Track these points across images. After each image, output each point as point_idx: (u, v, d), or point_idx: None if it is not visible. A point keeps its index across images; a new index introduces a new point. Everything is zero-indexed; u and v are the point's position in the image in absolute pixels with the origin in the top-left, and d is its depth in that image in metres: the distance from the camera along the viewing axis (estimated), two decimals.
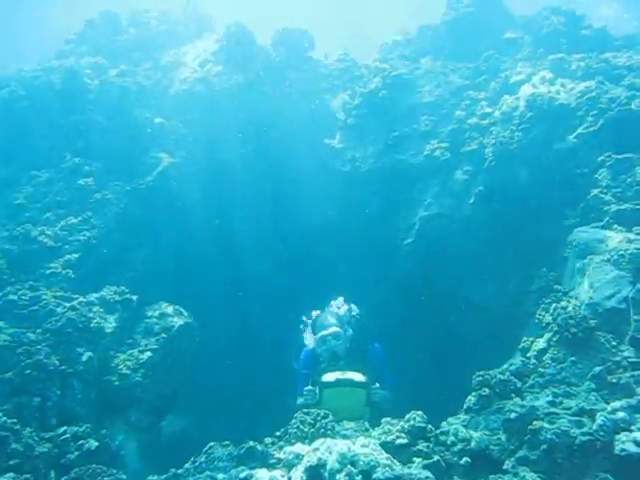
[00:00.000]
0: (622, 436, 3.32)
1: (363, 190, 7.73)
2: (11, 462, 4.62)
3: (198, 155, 8.69)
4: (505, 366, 4.49)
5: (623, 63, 6.63)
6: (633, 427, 3.32)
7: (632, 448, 3.22)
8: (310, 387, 4.83)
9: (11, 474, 4.47)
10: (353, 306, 5.54)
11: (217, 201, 8.39)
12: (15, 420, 4.86)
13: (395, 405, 4.83)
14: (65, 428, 5.21)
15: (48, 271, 6.89)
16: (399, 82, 8.19)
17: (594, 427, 3.41)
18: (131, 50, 10.96)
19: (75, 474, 4.58)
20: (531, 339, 4.64)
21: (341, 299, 5.48)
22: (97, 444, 5.29)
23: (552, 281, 5.34)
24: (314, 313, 5.55)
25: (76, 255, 7.07)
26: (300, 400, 4.93)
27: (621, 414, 3.41)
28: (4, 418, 4.82)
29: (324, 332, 5.09)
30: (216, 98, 9.19)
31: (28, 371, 5.36)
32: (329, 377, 4.81)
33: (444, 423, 4.16)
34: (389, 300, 7.02)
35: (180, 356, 6.33)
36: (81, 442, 5.21)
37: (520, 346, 4.87)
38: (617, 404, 3.48)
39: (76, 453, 5.12)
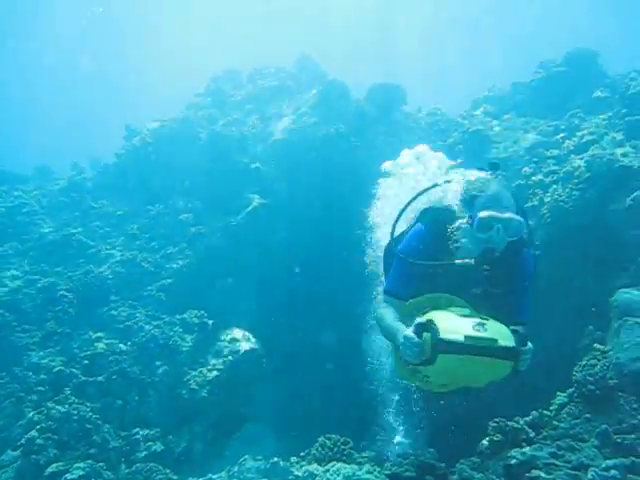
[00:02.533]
0: None
1: None
2: (91, 451, 5.51)
3: (286, 197, 9.53)
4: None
5: None
6: None
7: None
8: (412, 334, 2.58)
9: (90, 461, 5.33)
10: None
11: (299, 240, 9.11)
12: (98, 416, 5.77)
13: None
14: (138, 429, 6.07)
15: (145, 292, 8.00)
16: (476, 137, 8.52)
17: None
18: (245, 103, 12.31)
19: (136, 468, 5.36)
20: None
21: None
22: (163, 447, 6.10)
23: (597, 340, 5.31)
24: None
25: (169, 280, 8.12)
26: (400, 344, 2.67)
27: (612, 472, 3.48)
28: (90, 413, 5.75)
29: (498, 213, 2.82)
30: (309, 147, 10.04)
31: (114, 377, 6.33)
32: (451, 326, 2.54)
33: (457, 464, 4.38)
34: None
35: (244, 377, 6.99)
36: (149, 443, 6.03)
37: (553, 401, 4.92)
38: (611, 462, 3.54)
39: (144, 452, 5.94)
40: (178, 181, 9.80)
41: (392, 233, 3.27)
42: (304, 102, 11.25)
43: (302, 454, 4.73)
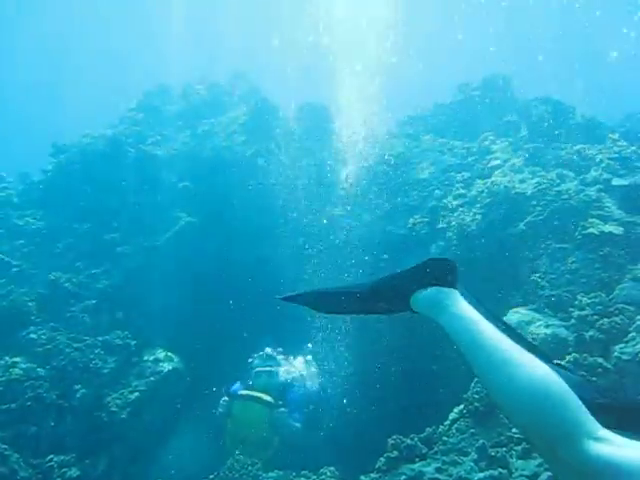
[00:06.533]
0: None
1: (355, 256, 8.35)
2: None
3: (215, 216, 9.66)
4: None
5: (593, 155, 7.03)
6: None
7: None
8: None
9: None
10: None
11: (227, 259, 9.23)
12: (6, 447, 5.71)
13: None
14: (52, 456, 6.04)
15: (68, 314, 7.93)
16: (398, 159, 8.92)
17: None
18: (177, 119, 12.32)
19: None
20: None
21: None
22: (79, 472, 6.09)
23: None
24: None
25: (93, 301, 8.09)
26: None
27: None
28: None
29: None
30: (238, 165, 10.23)
31: (29, 403, 6.28)
32: None
33: None
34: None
35: (166, 398, 7.05)
36: (64, 469, 6.01)
37: None
38: (482, 474, 3.88)
39: (58, 479, 5.91)
40: (106, 199, 9.75)
41: None
42: (235, 119, 11.42)
43: (211, 476, 4.88)
